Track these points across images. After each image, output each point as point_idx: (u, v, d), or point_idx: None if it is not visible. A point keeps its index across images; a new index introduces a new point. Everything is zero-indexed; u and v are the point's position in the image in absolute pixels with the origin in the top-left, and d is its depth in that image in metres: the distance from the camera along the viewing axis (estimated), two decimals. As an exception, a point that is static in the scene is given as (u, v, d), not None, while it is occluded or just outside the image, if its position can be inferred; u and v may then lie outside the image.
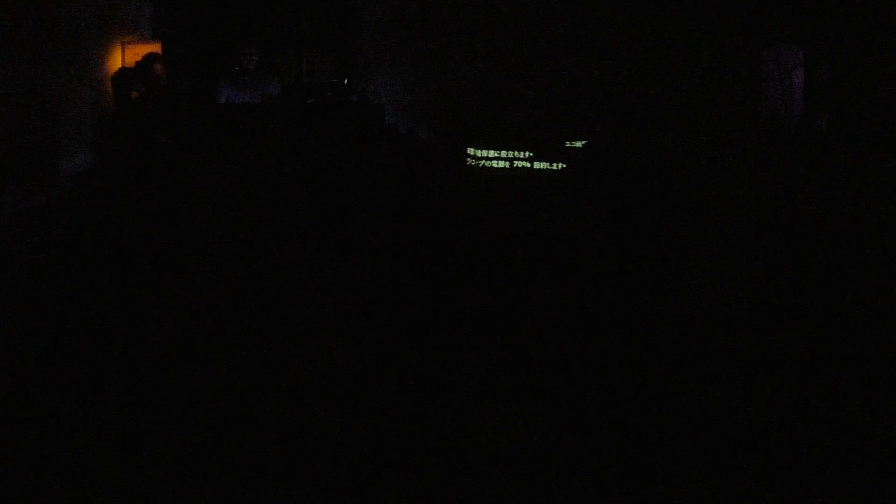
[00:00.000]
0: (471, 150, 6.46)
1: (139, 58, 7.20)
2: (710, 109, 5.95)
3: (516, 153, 6.35)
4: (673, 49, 6.29)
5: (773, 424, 4.32)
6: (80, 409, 4.46)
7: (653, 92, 6.12)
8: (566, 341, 5.26)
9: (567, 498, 3.73)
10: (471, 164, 6.44)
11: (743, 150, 5.83)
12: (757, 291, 5.58)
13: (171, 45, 7.61)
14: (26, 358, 5.04)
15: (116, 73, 7.11)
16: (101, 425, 4.27)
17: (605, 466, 3.96)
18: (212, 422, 4.34)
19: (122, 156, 6.49)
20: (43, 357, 5.06)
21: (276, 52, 7.93)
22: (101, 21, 7.23)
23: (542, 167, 6.27)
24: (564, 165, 6.23)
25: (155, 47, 7.44)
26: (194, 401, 4.57)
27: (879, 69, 5.98)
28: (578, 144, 6.16)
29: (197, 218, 5.81)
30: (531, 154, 6.34)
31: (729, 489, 3.76)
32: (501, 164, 6.38)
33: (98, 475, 3.81)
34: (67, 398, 4.57)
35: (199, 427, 4.29)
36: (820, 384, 4.74)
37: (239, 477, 3.83)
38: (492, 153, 6.40)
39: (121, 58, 7.40)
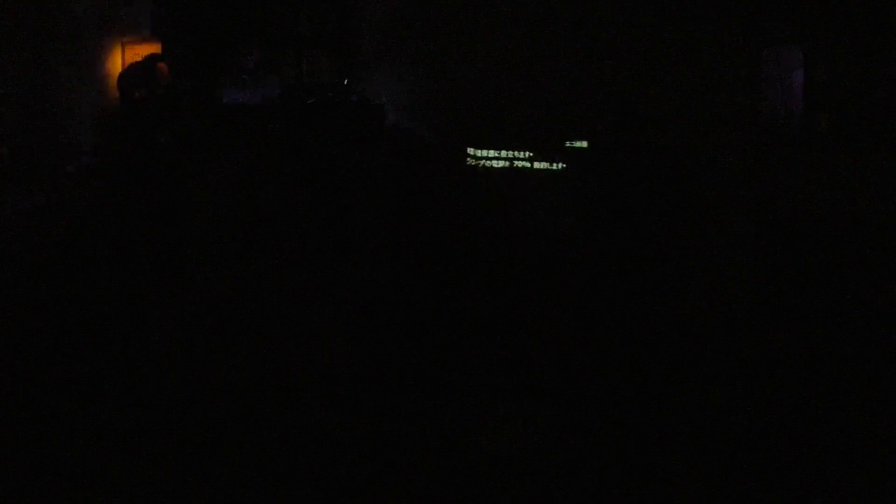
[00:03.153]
0: (471, 150, 6.47)
1: (139, 58, 7.21)
2: (710, 109, 5.94)
3: (516, 153, 6.36)
4: (673, 49, 6.28)
5: (773, 424, 4.31)
6: (80, 409, 4.45)
7: (653, 92, 6.11)
8: (566, 341, 5.26)
9: (567, 498, 3.73)
10: (471, 164, 6.45)
11: (743, 150, 5.82)
12: (757, 291, 5.58)
13: (171, 45, 7.62)
14: (26, 358, 5.03)
15: (122, 73, 7.13)
16: (101, 425, 4.27)
17: (605, 466, 3.96)
18: (212, 422, 4.34)
19: (122, 156, 6.49)
20: (43, 357, 5.05)
21: (275, 51, 7.93)
22: (101, 21, 7.25)
23: (542, 167, 6.28)
24: (564, 165, 6.24)
25: (155, 47, 7.45)
26: (194, 401, 4.57)
27: (879, 69, 5.98)
28: (579, 145, 6.17)
29: (197, 218, 5.81)
30: (531, 154, 6.34)
31: (729, 489, 3.75)
32: (501, 163, 6.39)
33: (98, 475, 3.81)
34: (67, 398, 4.56)
35: (199, 427, 4.28)
36: (820, 384, 4.74)
37: (239, 477, 3.83)
38: (492, 153, 6.41)
39: (121, 58, 7.41)
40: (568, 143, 6.23)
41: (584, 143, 6.13)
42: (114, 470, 3.86)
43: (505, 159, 6.37)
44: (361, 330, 5.39)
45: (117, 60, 7.39)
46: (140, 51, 7.39)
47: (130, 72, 6.91)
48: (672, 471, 3.89)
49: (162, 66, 6.67)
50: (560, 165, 6.23)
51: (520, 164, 6.32)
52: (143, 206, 5.72)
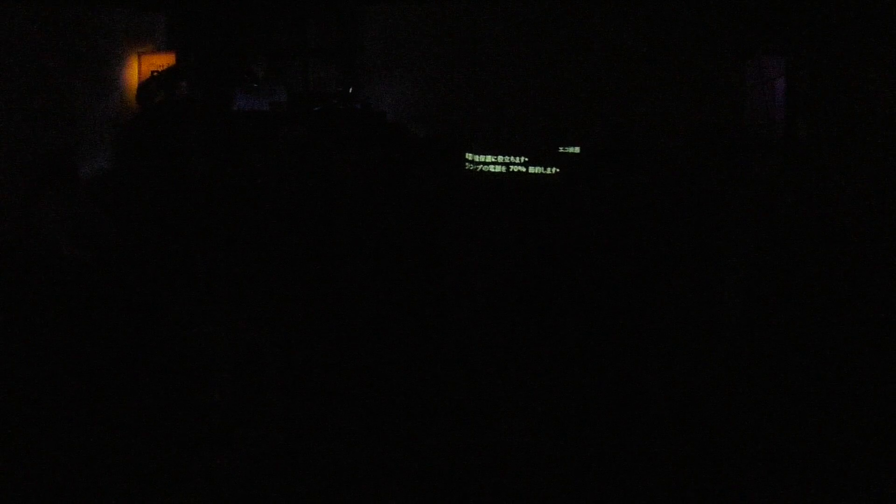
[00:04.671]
0: (469, 155, 6.54)
1: (155, 67, 7.38)
2: (696, 116, 5.98)
3: (512, 158, 6.43)
4: (661, 59, 6.36)
5: (773, 424, 4.31)
6: (81, 408, 4.48)
7: (641, 99, 6.17)
8: (566, 341, 5.26)
9: (567, 498, 3.75)
10: (469, 169, 6.51)
11: (725, 155, 5.83)
12: (757, 291, 5.56)
13: (184, 55, 7.77)
14: (26, 358, 5.05)
15: (141, 84, 7.31)
16: (101, 425, 4.30)
17: (605, 466, 3.97)
18: (212, 421, 4.37)
19: (138, 160, 6.62)
20: (43, 357, 5.06)
21: (283, 61, 8.07)
22: (121, 34, 7.43)
23: (537, 172, 6.34)
24: (558, 170, 6.30)
25: (169, 58, 7.60)
26: (194, 400, 4.60)
27: (858, 78, 5.99)
28: (572, 150, 6.24)
29: (206, 218, 5.89)
30: (526, 159, 6.41)
31: (728, 489, 3.76)
32: (498, 168, 6.46)
33: (98, 475, 3.86)
34: (68, 398, 4.59)
35: (200, 426, 4.32)
36: (820, 384, 4.72)
37: (239, 477, 3.87)
38: (489, 158, 6.48)
39: (137, 68, 7.58)
40: (561, 149, 6.29)
41: (577, 149, 6.19)
42: (114, 470, 3.90)
43: (501, 164, 6.44)
44: (362, 329, 5.41)
45: (134, 70, 7.56)
46: (156, 61, 7.55)
47: (150, 83, 7.10)
48: (672, 471, 3.89)
49: (183, 84, 6.89)
50: (554, 170, 6.29)
51: (516, 168, 6.39)
52: (151, 207, 5.81)
